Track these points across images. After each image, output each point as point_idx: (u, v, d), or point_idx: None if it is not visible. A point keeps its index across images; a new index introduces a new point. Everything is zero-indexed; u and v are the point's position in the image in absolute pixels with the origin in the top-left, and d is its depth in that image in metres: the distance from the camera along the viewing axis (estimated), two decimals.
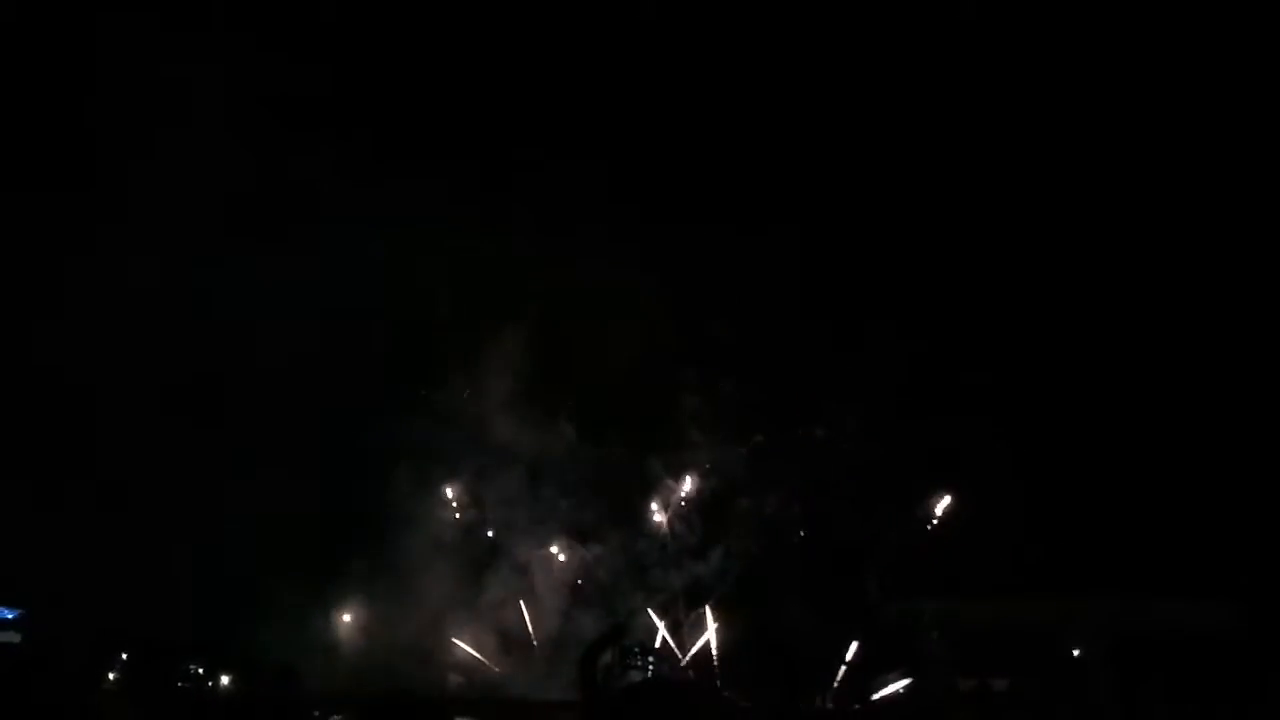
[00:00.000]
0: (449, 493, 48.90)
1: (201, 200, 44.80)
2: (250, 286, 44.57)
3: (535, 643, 47.50)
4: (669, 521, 47.97)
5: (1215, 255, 43.41)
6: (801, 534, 47.00)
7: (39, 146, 44.42)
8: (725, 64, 46.66)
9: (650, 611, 47.18)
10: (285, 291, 44.65)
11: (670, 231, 45.62)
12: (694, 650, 46.58)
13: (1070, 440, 43.43)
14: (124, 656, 43.58)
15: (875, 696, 44.03)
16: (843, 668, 44.84)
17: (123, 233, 42.69)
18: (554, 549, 48.25)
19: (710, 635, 46.56)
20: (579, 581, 48.14)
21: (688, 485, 48.13)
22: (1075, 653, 43.12)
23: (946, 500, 46.44)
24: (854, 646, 45.09)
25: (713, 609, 46.90)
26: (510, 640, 47.69)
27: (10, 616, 43.18)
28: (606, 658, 35.11)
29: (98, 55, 44.66)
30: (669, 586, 47.43)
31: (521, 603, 47.81)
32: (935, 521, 46.42)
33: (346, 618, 47.29)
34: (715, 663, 45.81)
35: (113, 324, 42.97)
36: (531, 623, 47.66)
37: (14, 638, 42.64)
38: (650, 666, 43.94)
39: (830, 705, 43.66)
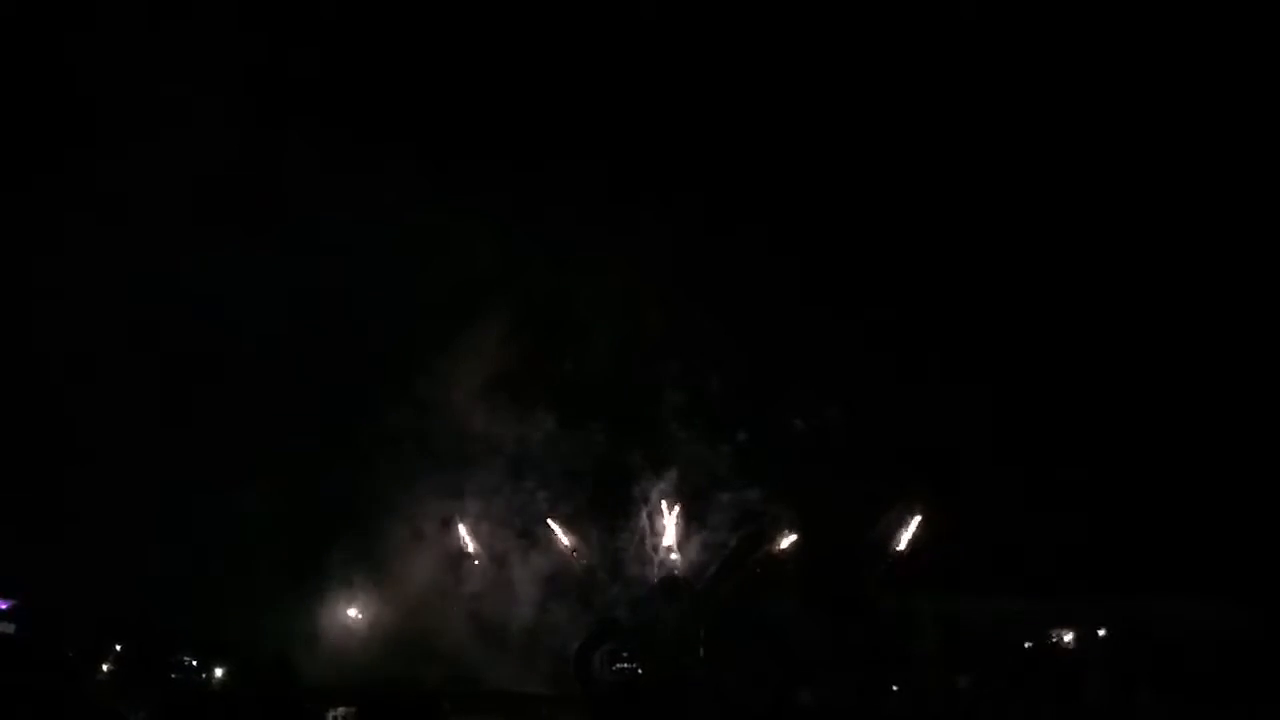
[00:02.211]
0: (431, 486, 48.73)
1: (186, 189, 45.02)
2: (236, 278, 44.79)
3: (511, 634, 47.73)
4: (648, 514, 48.25)
5: (1216, 256, 44.14)
6: (787, 529, 47.16)
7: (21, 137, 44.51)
8: (717, 62, 47.18)
9: (629, 605, 47.52)
10: (272, 283, 45.02)
11: (659, 225, 46.17)
12: (679, 644, 46.72)
13: (1071, 441, 43.96)
14: (118, 647, 43.92)
15: None
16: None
17: (116, 228, 42.89)
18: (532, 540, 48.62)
19: (696, 628, 46.86)
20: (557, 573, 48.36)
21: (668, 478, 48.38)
22: (1072, 650, 44.04)
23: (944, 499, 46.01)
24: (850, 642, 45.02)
25: (695, 601, 47.33)
26: (488, 631, 47.88)
27: (4, 607, 43.36)
28: (596, 659, 35.88)
29: (85, 43, 44.64)
30: (648, 579, 47.93)
31: (499, 594, 48.24)
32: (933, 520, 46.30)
33: (332, 610, 47.29)
34: (703, 655, 45.85)
35: (102, 317, 43.30)
36: (509, 614, 48.00)
37: (9, 628, 42.91)
38: (636, 667, 44.41)
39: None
